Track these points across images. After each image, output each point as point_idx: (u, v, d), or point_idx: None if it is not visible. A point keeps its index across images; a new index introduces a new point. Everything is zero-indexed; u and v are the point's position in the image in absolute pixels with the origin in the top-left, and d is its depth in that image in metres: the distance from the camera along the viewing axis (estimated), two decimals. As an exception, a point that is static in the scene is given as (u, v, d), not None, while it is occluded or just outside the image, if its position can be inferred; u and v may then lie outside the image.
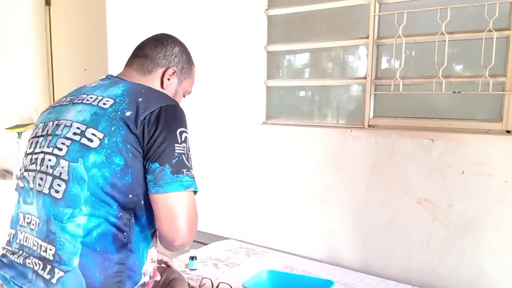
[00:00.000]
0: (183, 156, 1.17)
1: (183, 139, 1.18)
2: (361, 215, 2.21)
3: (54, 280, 1.13)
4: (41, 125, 1.32)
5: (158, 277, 1.41)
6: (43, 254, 1.17)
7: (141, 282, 1.22)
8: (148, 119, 1.15)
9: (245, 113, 2.60)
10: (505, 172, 1.85)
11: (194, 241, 1.36)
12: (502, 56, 1.91)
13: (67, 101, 1.32)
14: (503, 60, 1.91)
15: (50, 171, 1.18)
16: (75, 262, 1.13)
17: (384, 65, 2.23)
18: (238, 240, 2.60)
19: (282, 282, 1.74)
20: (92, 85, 1.34)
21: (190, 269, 2.13)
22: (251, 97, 2.59)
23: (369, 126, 2.22)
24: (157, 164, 1.14)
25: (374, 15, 2.17)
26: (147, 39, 1.44)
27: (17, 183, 1.32)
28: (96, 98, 1.24)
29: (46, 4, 3.79)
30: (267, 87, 2.60)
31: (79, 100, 1.28)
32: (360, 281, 2.04)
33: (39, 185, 1.20)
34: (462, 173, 1.93)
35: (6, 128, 3.90)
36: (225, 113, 2.67)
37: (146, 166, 1.16)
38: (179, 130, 1.18)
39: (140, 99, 1.19)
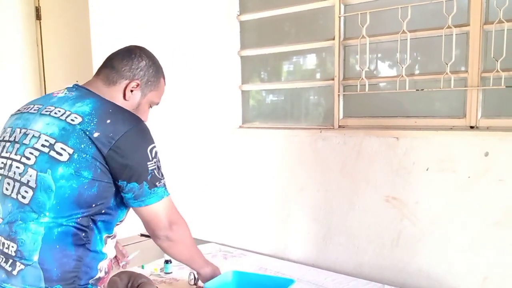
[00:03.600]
0: (155, 170, 1.32)
1: (153, 155, 1.32)
2: (333, 215, 2.22)
3: (15, 272, 1.23)
4: (8, 129, 1.37)
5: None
6: (6, 250, 1.26)
7: (97, 277, 1.31)
8: (118, 145, 1.25)
9: (222, 117, 2.64)
10: (468, 168, 1.85)
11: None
12: (463, 52, 1.92)
13: (34, 110, 1.37)
14: (464, 56, 1.92)
15: (18, 177, 1.27)
16: (35, 257, 1.22)
17: (352, 65, 2.25)
18: (219, 243, 2.63)
19: (245, 282, 1.76)
20: (60, 95, 1.39)
21: (165, 273, 2.16)
22: (227, 102, 2.63)
23: (340, 126, 2.24)
24: (135, 184, 1.29)
25: (339, 17, 2.19)
26: (118, 50, 1.47)
27: None
28: (64, 113, 1.30)
29: (37, 19, 3.85)
30: (242, 91, 2.64)
31: (46, 111, 1.33)
32: (331, 281, 2.04)
33: (6, 189, 1.29)
34: (427, 170, 1.94)
35: None
36: (202, 118, 2.71)
37: (122, 185, 1.28)
38: (149, 148, 1.31)
39: (108, 121, 1.26)
